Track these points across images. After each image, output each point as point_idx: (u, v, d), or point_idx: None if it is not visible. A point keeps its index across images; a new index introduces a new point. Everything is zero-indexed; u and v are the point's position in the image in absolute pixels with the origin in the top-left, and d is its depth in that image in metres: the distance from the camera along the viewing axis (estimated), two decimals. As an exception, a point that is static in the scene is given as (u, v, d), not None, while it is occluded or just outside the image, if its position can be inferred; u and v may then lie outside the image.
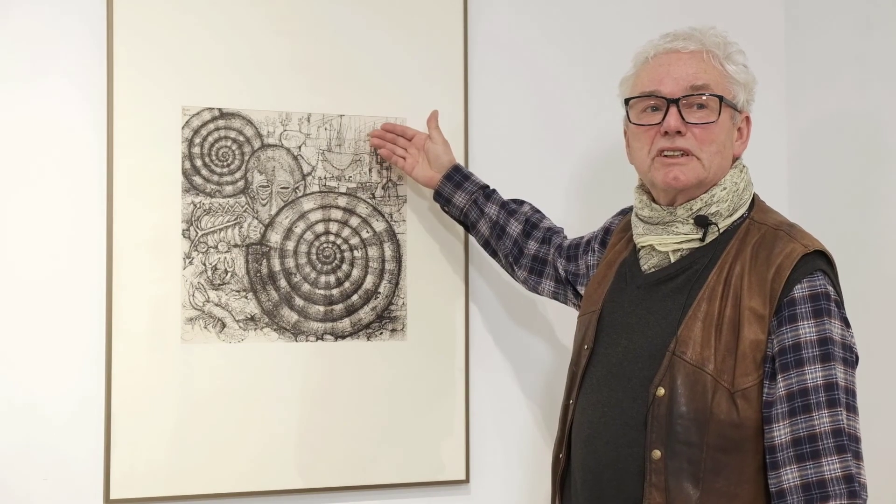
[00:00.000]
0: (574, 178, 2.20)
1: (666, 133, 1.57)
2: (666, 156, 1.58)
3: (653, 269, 1.63)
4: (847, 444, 1.42)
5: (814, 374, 1.43)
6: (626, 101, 1.65)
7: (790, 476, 1.43)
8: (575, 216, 2.16)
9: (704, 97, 1.57)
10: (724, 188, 1.58)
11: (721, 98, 1.57)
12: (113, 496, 1.86)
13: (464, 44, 2.10)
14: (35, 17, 1.89)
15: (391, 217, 2.05)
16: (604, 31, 2.22)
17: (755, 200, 1.64)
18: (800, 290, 1.47)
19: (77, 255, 1.89)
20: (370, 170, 2.05)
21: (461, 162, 2.06)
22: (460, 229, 2.08)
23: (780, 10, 2.37)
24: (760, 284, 1.49)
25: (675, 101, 1.57)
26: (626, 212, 1.86)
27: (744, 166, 1.64)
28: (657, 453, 1.49)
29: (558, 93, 2.19)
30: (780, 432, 1.44)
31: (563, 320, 2.16)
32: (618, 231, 1.80)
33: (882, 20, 2.10)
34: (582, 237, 1.93)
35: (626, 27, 2.19)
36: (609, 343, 1.63)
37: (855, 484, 1.40)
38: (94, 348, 1.88)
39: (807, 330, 1.45)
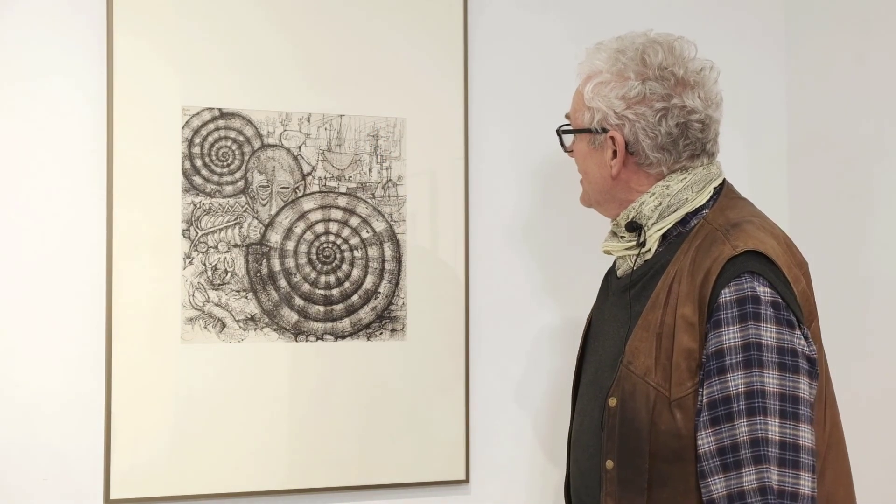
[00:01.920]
0: (577, 175, 2.20)
1: None
2: None
3: (623, 275, 1.62)
4: (767, 453, 1.36)
5: (736, 382, 1.39)
6: None
7: (718, 486, 1.39)
8: (578, 213, 2.16)
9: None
10: (653, 194, 1.56)
11: (559, 130, 1.66)
12: (113, 496, 1.87)
13: (464, 44, 2.10)
14: (35, 17, 1.89)
15: (391, 217, 2.05)
16: (606, 27, 2.21)
17: (720, 198, 1.56)
18: (725, 295, 1.41)
19: (77, 255, 1.89)
20: (370, 170, 2.05)
21: (461, 164, 2.05)
22: (460, 229, 2.08)
23: (780, 10, 2.37)
24: (692, 291, 1.45)
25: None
26: None
27: (683, 178, 1.55)
28: (610, 463, 1.49)
29: (560, 93, 2.19)
30: (706, 441, 1.41)
31: (563, 320, 2.16)
32: None
33: (882, 20, 2.10)
34: None
35: (630, 22, 2.18)
36: (591, 351, 1.66)
37: (769, 496, 1.35)
38: (94, 348, 1.88)
39: (730, 336, 1.40)
